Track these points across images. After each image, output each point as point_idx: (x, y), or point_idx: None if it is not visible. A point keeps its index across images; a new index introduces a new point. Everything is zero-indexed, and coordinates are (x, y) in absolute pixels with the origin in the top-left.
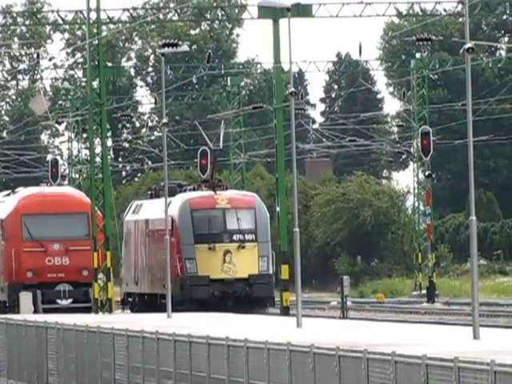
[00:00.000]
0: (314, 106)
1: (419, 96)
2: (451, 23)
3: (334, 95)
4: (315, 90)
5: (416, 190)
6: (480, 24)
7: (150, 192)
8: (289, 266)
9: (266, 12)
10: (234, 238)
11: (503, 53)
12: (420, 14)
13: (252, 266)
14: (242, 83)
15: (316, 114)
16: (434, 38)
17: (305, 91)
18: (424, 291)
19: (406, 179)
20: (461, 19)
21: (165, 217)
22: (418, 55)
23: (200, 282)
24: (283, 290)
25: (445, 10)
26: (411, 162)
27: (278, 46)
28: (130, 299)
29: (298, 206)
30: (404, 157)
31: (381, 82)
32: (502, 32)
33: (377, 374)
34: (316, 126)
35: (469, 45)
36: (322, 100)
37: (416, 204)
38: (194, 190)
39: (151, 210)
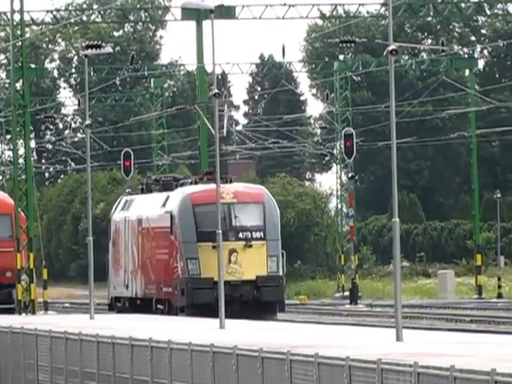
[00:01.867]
0: (237, 107)
1: (342, 98)
2: (374, 25)
3: (257, 97)
4: (238, 91)
5: (339, 192)
6: (403, 26)
7: (140, 187)
8: None
9: (189, 14)
10: (241, 235)
11: (426, 55)
12: (343, 16)
13: (260, 266)
14: (166, 85)
15: (239, 115)
16: (357, 39)
17: (228, 93)
18: (347, 293)
19: (329, 181)
20: (384, 21)
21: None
22: (341, 57)
23: (203, 285)
24: None
25: (368, 12)
26: (334, 164)
27: (201, 48)
28: (118, 304)
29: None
30: (327, 159)
31: (304, 83)
32: (425, 34)
33: (300, 375)
34: (239, 127)
35: (392, 47)
36: (246, 102)
37: (339, 206)
38: (194, 183)
39: (145, 205)
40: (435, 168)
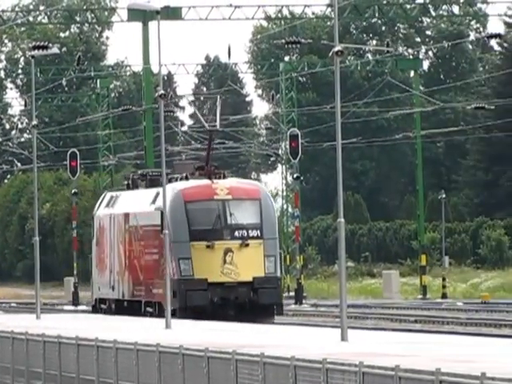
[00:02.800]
0: (183, 108)
1: (288, 99)
2: (320, 26)
3: (202, 98)
4: (184, 92)
5: (284, 193)
6: (348, 27)
7: (126, 182)
8: None
9: (135, 15)
10: (236, 234)
11: (371, 56)
12: (289, 17)
13: (257, 267)
14: (112, 85)
15: (185, 116)
16: (302, 41)
17: (174, 93)
18: (292, 293)
19: (274, 181)
20: (329, 22)
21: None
22: (286, 58)
23: (196, 287)
24: None
25: (313, 13)
26: (280, 165)
27: (148, 49)
28: (103, 306)
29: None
30: (272, 159)
31: (250, 84)
32: (371, 35)
33: (245, 375)
34: (185, 128)
35: (337, 48)
36: (191, 102)
37: (284, 206)
38: (186, 178)
39: (132, 202)
40: (380, 169)
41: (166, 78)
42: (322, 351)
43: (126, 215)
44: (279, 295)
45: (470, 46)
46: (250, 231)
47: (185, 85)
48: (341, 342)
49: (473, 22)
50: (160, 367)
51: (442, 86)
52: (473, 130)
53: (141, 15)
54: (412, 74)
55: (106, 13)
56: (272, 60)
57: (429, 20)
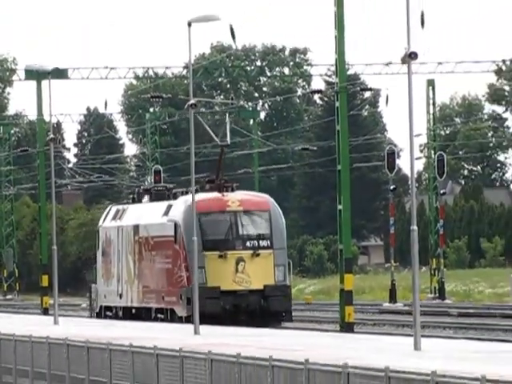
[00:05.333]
0: (68, 149)
1: (152, 141)
2: (177, 84)
3: (84, 141)
4: (70, 136)
5: None
6: (201, 85)
7: (131, 196)
8: (48, 276)
9: (31, 75)
10: (248, 244)
11: (218, 107)
12: (153, 76)
13: (267, 275)
14: (12, 131)
15: (70, 155)
16: (164, 95)
17: (62, 138)
18: None
19: None
20: (186, 81)
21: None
22: (151, 109)
23: (209, 295)
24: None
25: (172, 74)
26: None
27: (41, 102)
28: (108, 313)
29: (55, 228)
30: (139, 189)
31: (122, 130)
32: (218, 91)
33: (117, 363)
34: (70, 165)
35: (192, 101)
36: (76, 145)
37: None
38: (196, 191)
39: (141, 214)
40: None
41: (55, 125)
42: (180, 342)
43: (136, 227)
44: (289, 302)
45: (298, 100)
46: (260, 241)
47: (70, 131)
48: (194, 336)
49: (300, 81)
50: (50, 355)
51: (275, 132)
52: (299, 167)
53: (35, 75)
54: (251, 122)
55: (8, 73)
56: (140, 111)
57: (265, 79)
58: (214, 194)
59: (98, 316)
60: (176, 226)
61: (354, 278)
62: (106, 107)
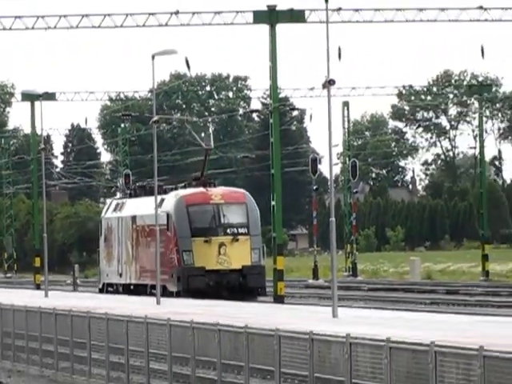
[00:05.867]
0: (56, 157)
1: (124, 151)
2: (144, 105)
3: (69, 150)
4: (57, 146)
5: None
6: (162, 105)
7: (129, 192)
8: (40, 258)
9: (26, 97)
10: (228, 231)
11: (176, 123)
12: (124, 98)
13: (245, 257)
14: (11, 142)
15: (58, 162)
16: (132, 114)
17: (51, 147)
18: None
19: None
20: (150, 102)
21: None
22: (122, 125)
23: (196, 273)
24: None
25: (140, 96)
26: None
27: (34, 119)
28: (110, 289)
29: (45, 220)
30: (114, 189)
31: (99, 141)
32: (176, 110)
33: (95, 328)
34: (58, 169)
35: (155, 118)
36: (62, 153)
37: None
38: (184, 187)
39: (138, 207)
40: None
41: (45, 137)
42: (145, 311)
43: (134, 217)
44: (263, 280)
45: (240, 118)
46: (239, 229)
47: (58, 142)
48: (156, 306)
49: (241, 102)
50: (41, 324)
51: (222, 143)
52: (241, 171)
53: (30, 97)
54: (203, 134)
55: (7, 96)
56: (113, 126)
57: (213, 101)
58: (200, 189)
59: (101, 292)
60: (168, 216)
61: (285, 259)
62: (86, 123)
